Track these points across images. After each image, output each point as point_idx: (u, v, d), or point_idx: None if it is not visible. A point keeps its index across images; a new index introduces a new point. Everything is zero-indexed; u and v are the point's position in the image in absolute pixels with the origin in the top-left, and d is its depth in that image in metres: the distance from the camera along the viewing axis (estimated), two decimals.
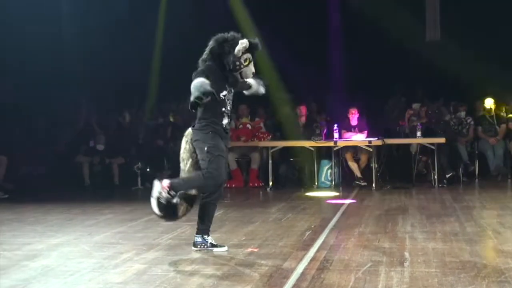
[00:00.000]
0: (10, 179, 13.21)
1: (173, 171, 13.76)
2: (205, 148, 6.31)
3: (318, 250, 6.45)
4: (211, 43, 6.45)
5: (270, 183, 12.79)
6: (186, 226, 7.99)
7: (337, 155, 13.13)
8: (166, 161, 14.14)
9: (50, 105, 15.27)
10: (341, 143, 12.80)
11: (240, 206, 10.26)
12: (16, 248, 6.92)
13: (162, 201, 6.26)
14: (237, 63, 6.37)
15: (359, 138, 12.88)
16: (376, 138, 12.55)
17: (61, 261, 6.22)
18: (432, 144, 12.56)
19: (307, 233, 7.43)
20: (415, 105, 14.13)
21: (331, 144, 12.78)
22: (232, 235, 7.39)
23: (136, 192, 13.36)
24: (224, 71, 6.44)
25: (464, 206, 9.62)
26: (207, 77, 6.05)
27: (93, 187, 13.78)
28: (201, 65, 6.45)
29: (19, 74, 14.35)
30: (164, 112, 15.42)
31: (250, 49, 6.41)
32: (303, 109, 13.79)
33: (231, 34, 6.44)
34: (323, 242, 6.93)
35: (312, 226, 7.88)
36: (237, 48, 6.31)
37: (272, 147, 12.89)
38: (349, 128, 13.25)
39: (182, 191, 6.42)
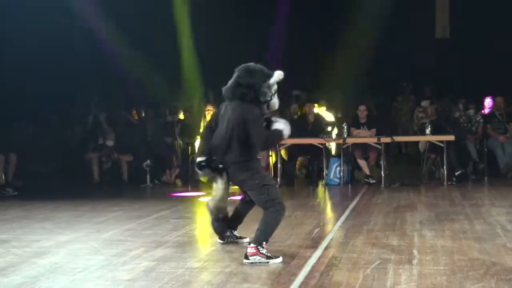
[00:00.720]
0: (19, 177, 13.24)
1: (181, 168, 13.84)
2: (256, 182, 6.12)
3: (326, 248, 6.44)
4: (241, 74, 6.20)
5: (279, 180, 12.78)
6: (195, 224, 8.02)
7: (346, 153, 13.11)
8: (175, 158, 14.11)
9: (62, 102, 15.29)
10: (350, 141, 12.78)
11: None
12: (25, 245, 6.94)
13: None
14: (270, 94, 6.18)
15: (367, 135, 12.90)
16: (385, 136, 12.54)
17: (70, 258, 6.23)
18: (441, 141, 12.52)
19: (316, 231, 7.42)
20: (424, 103, 14.10)
21: (340, 141, 12.76)
22: (241, 232, 7.35)
23: (145, 189, 13.36)
24: (258, 104, 6.19)
25: (473, 203, 9.58)
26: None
27: (102, 185, 13.78)
28: (229, 94, 6.23)
29: (29, 71, 14.36)
30: (173, 110, 15.40)
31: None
32: (311, 107, 13.75)
33: (259, 65, 6.25)
34: (332, 239, 6.93)
35: (321, 224, 7.88)
36: (273, 79, 6.15)
37: (281, 144, 12.89)
38: (358, 125, 13.23)
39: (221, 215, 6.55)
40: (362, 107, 13.30)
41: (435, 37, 17.25)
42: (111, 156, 14.04)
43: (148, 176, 13.73)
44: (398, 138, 12.84)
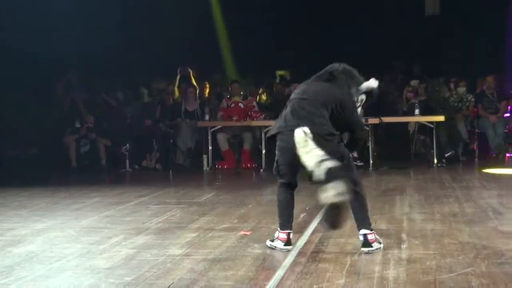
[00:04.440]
0: None
1: (161, 152, 13.67)
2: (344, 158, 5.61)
3: (313, 233, 6.32)
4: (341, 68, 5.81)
5: (263, 164, 12.58)
6: (176, 210, 7.93)
7: None
8: (155, 142, 13.89)
9: (41, 86, 15.04)
10: None
11: (232, 188, 10.08)
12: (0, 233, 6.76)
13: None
14: (357, 99, 5.78)
15: None
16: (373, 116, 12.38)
17: (47, 246, 6.07)
18: (431, 122, 12.39)
19: (302, 215, 7.27)
20: (414, 82, 13.93)
21: None
22: (224, 218, 7.25)
23: (124, 174, 13.20)
24: None
25: (464, 186, 9.52)
26: None
27: (80, 170, 13.50)
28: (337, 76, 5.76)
29: (6, 53, 14.10)
30: (153, 91, 15.18)
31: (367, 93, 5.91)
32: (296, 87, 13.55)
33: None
34: (318, 224, 6.76)
35: (307, 208, 7.69)
36: (366, 85, 5.80)
37: (266, 127, 12.63)
38: None
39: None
40: None
41: (425, 15, 17.11)
42: (89, 137, 13.76)
43: (127, 161, 13.55)
44: (387, 119, 12.66)
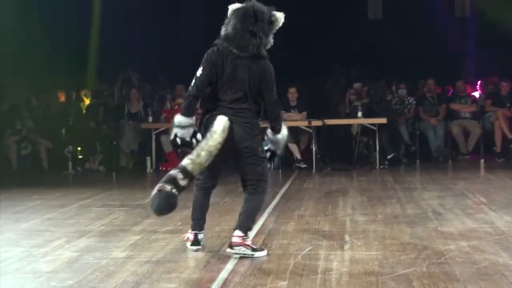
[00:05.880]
0: None
1: (105, 154, 13.52)
2: (259, 152, 5.50)
3: (256, 235, 6.29)
4: (245, 20, 5.30)
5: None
6: (119, 212, 7.85)
7: None
8: (99, 144, 13.73)
9: None
10: None
11: None
12: None
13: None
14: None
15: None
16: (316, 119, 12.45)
17: None
18: (373, 124, 12.52)
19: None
20: (356, 85, 14.04)
21: None
22: (167, 220, 7.13)
23: (67, 176, 13.00)
24: None
25: (405, 187, 9.61)
26: None
27: (20, 172, 13.20)
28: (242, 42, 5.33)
29: None
30: (96, 93, 14.97)
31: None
32: None
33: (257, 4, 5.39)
34: (262, 226, 6.79)
35: None
36: (277, 26, 5.46)
37: None
38: (288, 109, 13.08)
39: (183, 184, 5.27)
40: (292, 90, 13.15)
41: (367, 17, 17.28)
42: (28, 140, 13.51)
43: (70, 163, 13.35)
44: (330, 121, 12.75)
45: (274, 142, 5.70)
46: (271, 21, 5.39)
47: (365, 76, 14.82)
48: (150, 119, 13.40)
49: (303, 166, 12.57)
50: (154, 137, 13.11)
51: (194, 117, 5.44)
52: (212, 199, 8.15)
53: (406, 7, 16.14)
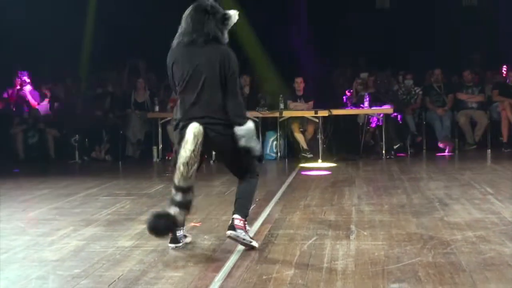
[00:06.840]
0: None
1: (112, 144, 13.53)
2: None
3: (262, 224, 6.32)
4: (197, 14, 5.35)
5: (214, 156, 12.52)
6: (126, 201, 7.85)
7: (283, 126, 12.97)
8: (105, 133, 13.75)
9: None
10: (287, 114, 12.64)
11: None
12: None
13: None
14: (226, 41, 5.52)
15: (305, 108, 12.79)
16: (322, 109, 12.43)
17: None
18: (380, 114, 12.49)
19: (252, 207, 7.24)
20: (363, 75, 13.99)
21: (277, 114, 12.61)
22: None
23: (74, 166, 13.01)
24: None
25: (412, 177, 9.59)
26: None
27: (28, 161, 13.23)
28: (186, 43, 5.34)
29: None
30: (103, 82, 14.95)
31: None
32: (246, 79, 13.53)
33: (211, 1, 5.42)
34: (268, 215, 6.82)
35: (257, 200, 7.69)
36: (231, 22, 5.45)
37: None
38: (295, 98, 13.08)
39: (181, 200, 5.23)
40: (298, 79, 13.14)
41: (375, 7, 17.24)
42: (37, 128, 13.53)
43: (76, 152, 13.36)
44: (336, 111, 12.73)
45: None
46: (225, 18, 5.38)
47: (371, 66, 14.80)
48: (157, 108, 13.40)
49: (309, 156, 12.56)
50: (160, 126, 13.11)
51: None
52: (219, 189, 8.24)
53: None
